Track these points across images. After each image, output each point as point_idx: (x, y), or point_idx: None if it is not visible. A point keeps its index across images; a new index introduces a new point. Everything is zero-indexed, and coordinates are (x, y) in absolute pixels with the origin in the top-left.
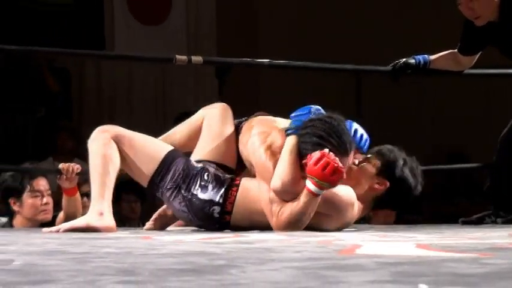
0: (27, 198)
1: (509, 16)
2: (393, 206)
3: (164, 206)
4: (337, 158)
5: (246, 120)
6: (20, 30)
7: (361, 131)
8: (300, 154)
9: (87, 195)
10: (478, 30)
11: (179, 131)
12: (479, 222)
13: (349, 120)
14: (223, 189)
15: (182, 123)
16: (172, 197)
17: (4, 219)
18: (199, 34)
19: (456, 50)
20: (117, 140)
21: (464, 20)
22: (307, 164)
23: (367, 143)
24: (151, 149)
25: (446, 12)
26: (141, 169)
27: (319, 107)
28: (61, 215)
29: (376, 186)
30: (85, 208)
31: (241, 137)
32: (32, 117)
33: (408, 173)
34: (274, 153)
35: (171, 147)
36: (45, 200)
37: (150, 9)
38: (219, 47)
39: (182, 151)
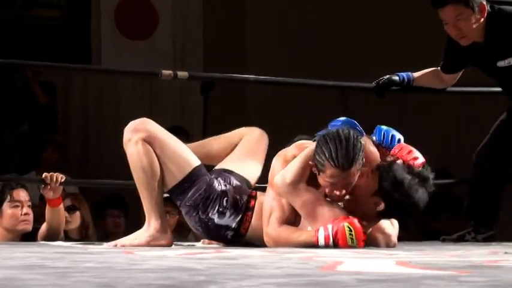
0: (6, 209)
1: (494, 36)
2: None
3: None
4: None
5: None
6: (7, 43)
7: (393, 133)
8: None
9: (68, 209)
10: (461, 49)
11: (217, 143)
12: (459, 239)
13: (379, 126)
14: (239, 216)
15: (220, 136)
16: (189, 214)
17: None
18: (185, 49)
19: (439, 68)
20: (149, 141)
21: (447, 38)
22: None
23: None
24: (180, 160)
25: (431, 30)
26: (165, 176)
27: (354, 120)
28: (43, 227)
29: (373, 205)
30: (66, 223)
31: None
32: (17, 131)
33: (402, 197)
34: (286, 161)
35: (198, 162)
36: (25, 210)
37: (136, 24)
38: (205, 64)
39: (214, 162)
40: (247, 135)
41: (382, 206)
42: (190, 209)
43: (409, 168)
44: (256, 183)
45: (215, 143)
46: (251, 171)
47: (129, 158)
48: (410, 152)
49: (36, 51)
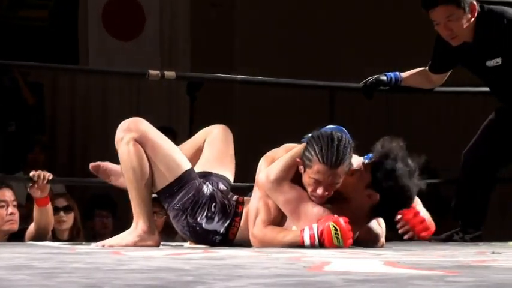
0: None
1: (483, 36)
2: (387, 216)
3: None
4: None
5: None
6: None
7: None
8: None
9: (64, 209)
10: (449, 49)
11: (184, 149)
12: (447, 239)
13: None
14: (228, 221)
15: (185, 142)
16: (177, 218)
17: None
18: (173, 50)
19: (427, 68)
20: (141, 142)
21: (436, 38)
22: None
23: None
24: (171, 162)
25: (421, 29)
26: (155, 177)
27: (343, 128)
28: (31, 227)
29: (367, 198)
30: (61, 223)
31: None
32: (4, 131)
33: (397, 186)
34: (273, 162)
35: (189, 166)
36: (10, 209)
37: (124, 25)
38: (193, 64)
39: None
40: (210, 134)
41: (376, 197)
42: (179, 212)
43: (402, 159)
44: (235, 182)
45: (184, 149)
46: (227, 170)
47: (120, 158)
48: (423, 221)
49: (24, 52)
